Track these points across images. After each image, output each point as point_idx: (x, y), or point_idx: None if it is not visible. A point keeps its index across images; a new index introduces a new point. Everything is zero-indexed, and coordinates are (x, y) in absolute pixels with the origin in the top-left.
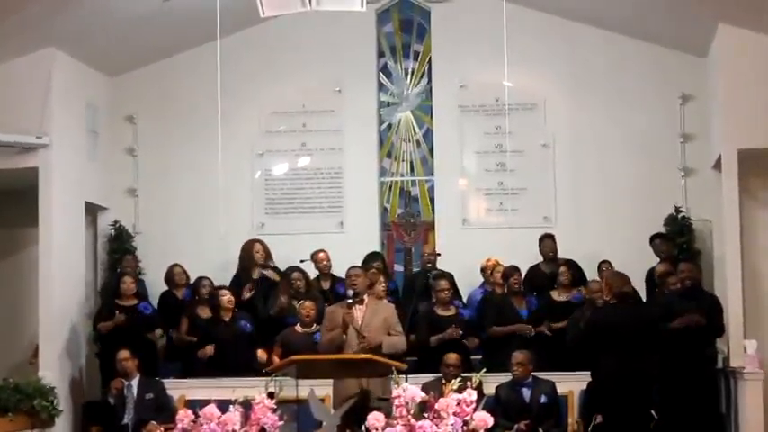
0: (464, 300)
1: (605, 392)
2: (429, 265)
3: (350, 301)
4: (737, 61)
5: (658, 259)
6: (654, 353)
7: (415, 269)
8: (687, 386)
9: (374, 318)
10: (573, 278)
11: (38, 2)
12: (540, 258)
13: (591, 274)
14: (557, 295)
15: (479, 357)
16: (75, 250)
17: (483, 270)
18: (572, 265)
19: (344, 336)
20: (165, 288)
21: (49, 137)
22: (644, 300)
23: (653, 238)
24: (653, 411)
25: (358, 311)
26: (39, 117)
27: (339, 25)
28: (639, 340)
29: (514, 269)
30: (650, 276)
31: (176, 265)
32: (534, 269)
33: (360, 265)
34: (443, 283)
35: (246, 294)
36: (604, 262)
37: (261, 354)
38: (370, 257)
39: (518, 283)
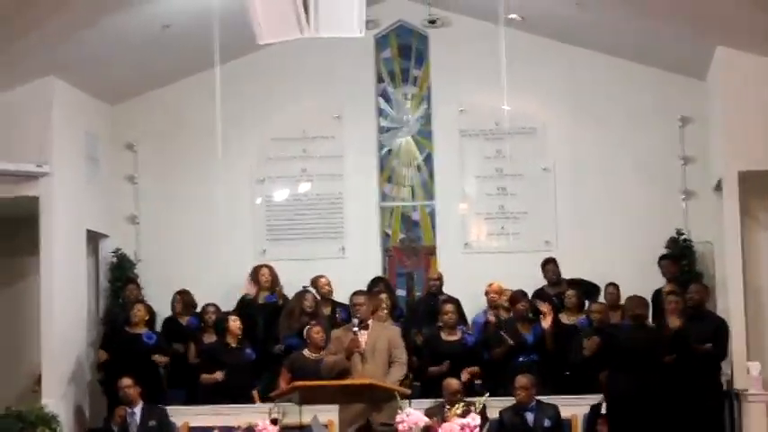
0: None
1: (618, 412)
2: (434, 289)
3: (356, 328)
4: (736, 83)
5: (665, 280)
6: (663, 375)
7: (417, 293)
8: (693, 410)
9: (378, 342)
10: (579, 301)
11: (38, 31)
12: (543, 282)
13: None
14: (564, 318)
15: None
16: (77, 278)
17: (486, 294)
18: (579, 286)
19: (348, 362)
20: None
21: (49, 165)
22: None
23: (661, 259)
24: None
25: (362, 336)
26: (39, 145)
27: (338, 51)
28: (651, 363)
29: (522, 294)
30: (656, 297)
31: (178, 292)
32: (539, 293)
33: (364, 290)
34: (449, 307)
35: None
36: (611, 284)
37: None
38: (374, 283)
39: (525, 309)
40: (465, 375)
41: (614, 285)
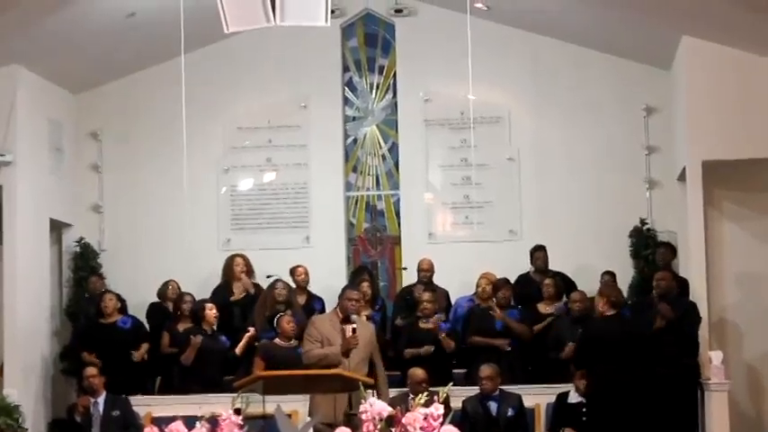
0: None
1: (598, 403)
2: (426, 279)
3: (355, 325)
4: (701, 73)
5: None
6: (642, 365)
7: (382, 283)
8: (668, 397)
9: (361, 339)
10: (558, 290)
11: (0, 19)
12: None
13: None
14: (543, 308)
15: (463, 371)
16: (40, 268)
17: (478, 284)
18: (560, 278)
19: (343, 358)
20: (145, 302)
21: (12, 154)
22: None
23: (658, 246)
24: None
25: (349, 332)
26: (2, 134)
27: (304, 40)
28: (628, 353)
29: (505, 282)
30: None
31: (172, 280)
32: (525, 277)
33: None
34: (426, 296)
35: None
36: (607, 272)
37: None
38: (358, 272)
39: (506, 297)
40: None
41: (610, 273)
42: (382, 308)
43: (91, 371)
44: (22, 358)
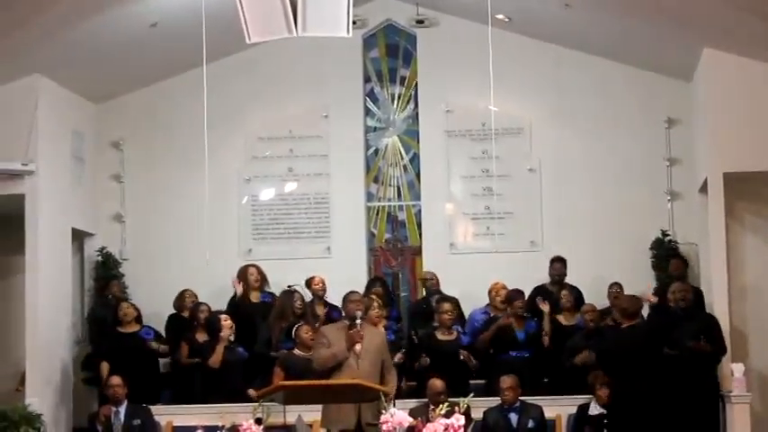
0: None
1: (618, 415)
2: (434, 289)
3: (358, 321)
4: (722, 85)
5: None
6: (654, 376)
7: (402, 294)
8: (690, 409)
9: (371, 345)
10: (575, 302)
11: (23, 29)
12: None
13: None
14: (563, 319)
15: (482, 382)
16: (62, 277)
17: (490, 292)
18: (573, 290)
19: (349, 353)
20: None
21: (35, 163)
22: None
23: (669, 258)
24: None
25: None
26: (25, 144)
27: (325, 51)
28: (640, 364)
29: (518, 293)
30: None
31: (187, 290)
32: (541, 289)
33: (357, 290)
34: (446, 306)
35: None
36: (615, 284)
37: (252, 392)
38: (372, 283)
39: (521, 307)
40: (463, 354)
41: (617, 284)
42: (398, 319)
43: (115, 380)
44: (44, 367)
